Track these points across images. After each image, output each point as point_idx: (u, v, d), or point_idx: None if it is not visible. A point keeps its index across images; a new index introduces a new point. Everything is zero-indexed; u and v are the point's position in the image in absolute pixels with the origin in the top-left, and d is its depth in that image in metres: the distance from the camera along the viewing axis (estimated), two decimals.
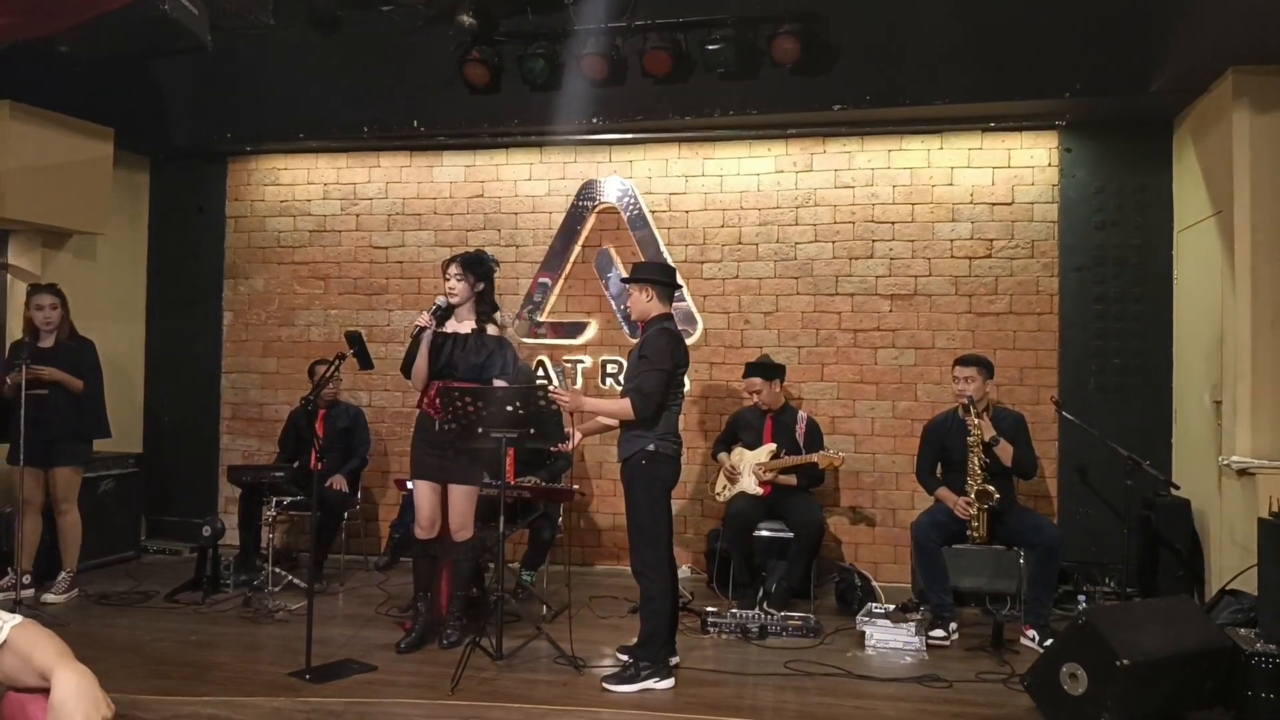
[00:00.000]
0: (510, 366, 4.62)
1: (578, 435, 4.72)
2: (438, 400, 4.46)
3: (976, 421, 4.98)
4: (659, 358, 4.18)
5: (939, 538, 5.00)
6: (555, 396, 4.28)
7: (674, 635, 4.38)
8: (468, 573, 4.72)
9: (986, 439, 4.95)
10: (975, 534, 4.94)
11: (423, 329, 4.51)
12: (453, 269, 4.59)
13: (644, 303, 4.37)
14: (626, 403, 4.20)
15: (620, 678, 4.12)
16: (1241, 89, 4.97)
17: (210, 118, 6.71)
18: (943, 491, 5.15)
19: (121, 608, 5.34)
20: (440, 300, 4.57)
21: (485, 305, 4.67)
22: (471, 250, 4.76)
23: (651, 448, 4.20)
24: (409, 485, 4.85)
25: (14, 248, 6.34)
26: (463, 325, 4.62)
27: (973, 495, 4.93)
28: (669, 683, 4.13)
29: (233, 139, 6.84)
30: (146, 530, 7.05)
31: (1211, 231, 5.31)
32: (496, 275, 4.78)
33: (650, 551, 4.20)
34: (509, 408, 4.32)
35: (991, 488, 4.89)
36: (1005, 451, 4.97)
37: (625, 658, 4.34)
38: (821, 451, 5.41)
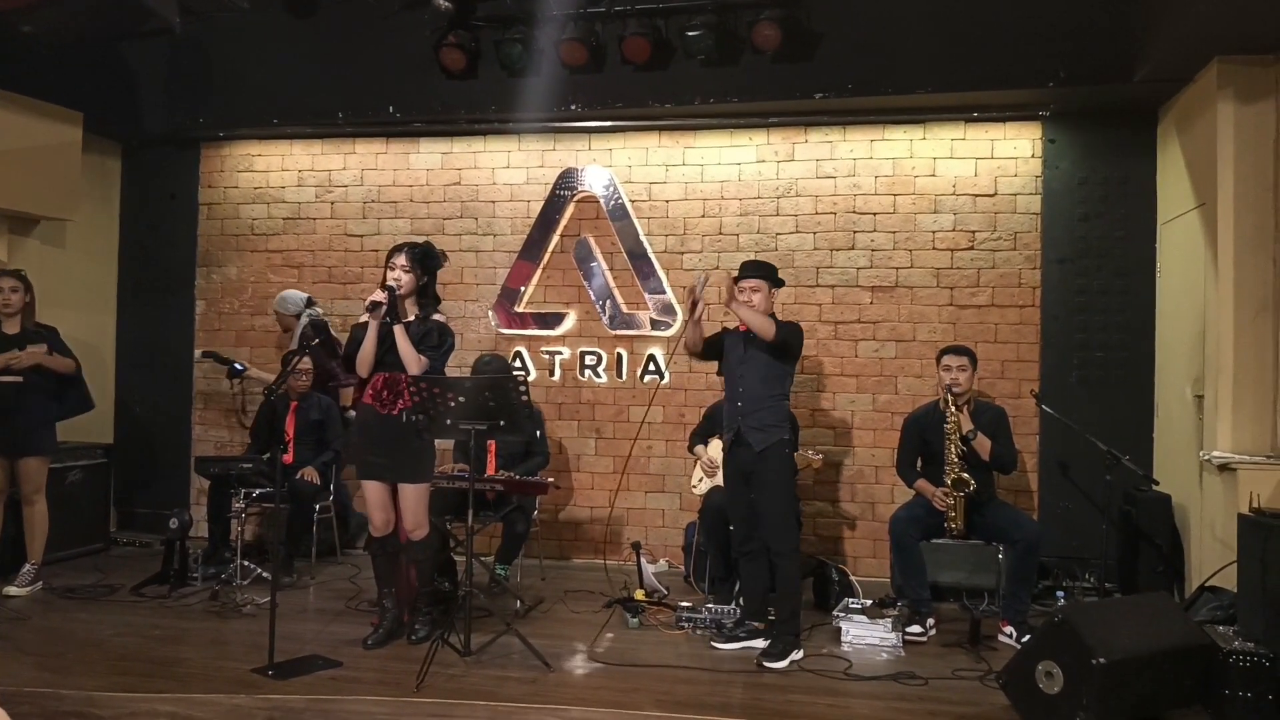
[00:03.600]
0: (441, 345, 4.45)
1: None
2: (385, 392, 4.36)
3: (954, 412, 4.91)
4: (798, 339, 4.55)
5: (917, 532, 4.93)
6: (723, 289, 4.42)
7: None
8: (430, 569, 4.63)
9: (964, 431, 4.89)
10: (953, 525, 4.87)
11: (378, 304, 4.31)
12: (400, 259, 4.42)
13: (771, 301, 4.64)
14: (772, 323, 4.42)
15: (771, 655, 4.34)
16: (1226, 79, 4.90)
17: (182, 102, 6.58)
18: (921, 483, 5.09)
19: (85, 601, 5.22)
20: (392, 283, 4.38)
21: (428, 298, 4.53)
22: (420, 243, 4.54)
23: (787, 437, 4.54)
24: None
25: None
26: (407, 317, 4.47)
27: (949, 483, 4.86)
28: (802, 652, 4.43)
29: (205, 124, 6.70)
30: (117, 522, 6.95)
31: (1195, 224, 5.25)
32: (444, 267, 4.62)
33: (791, 534, 4.55)
34: (479, 399, 4.23)
35: (967, 476, 4.83)
36: (983, 446, 4.91)
37: (761, 642, 4.50)
38: (797, 452, 5.32)
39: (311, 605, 5.30)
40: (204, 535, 6.04)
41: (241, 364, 6.23)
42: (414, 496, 4.44)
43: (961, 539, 4.94)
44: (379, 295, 4.33)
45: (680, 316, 6.35)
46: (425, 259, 4.46)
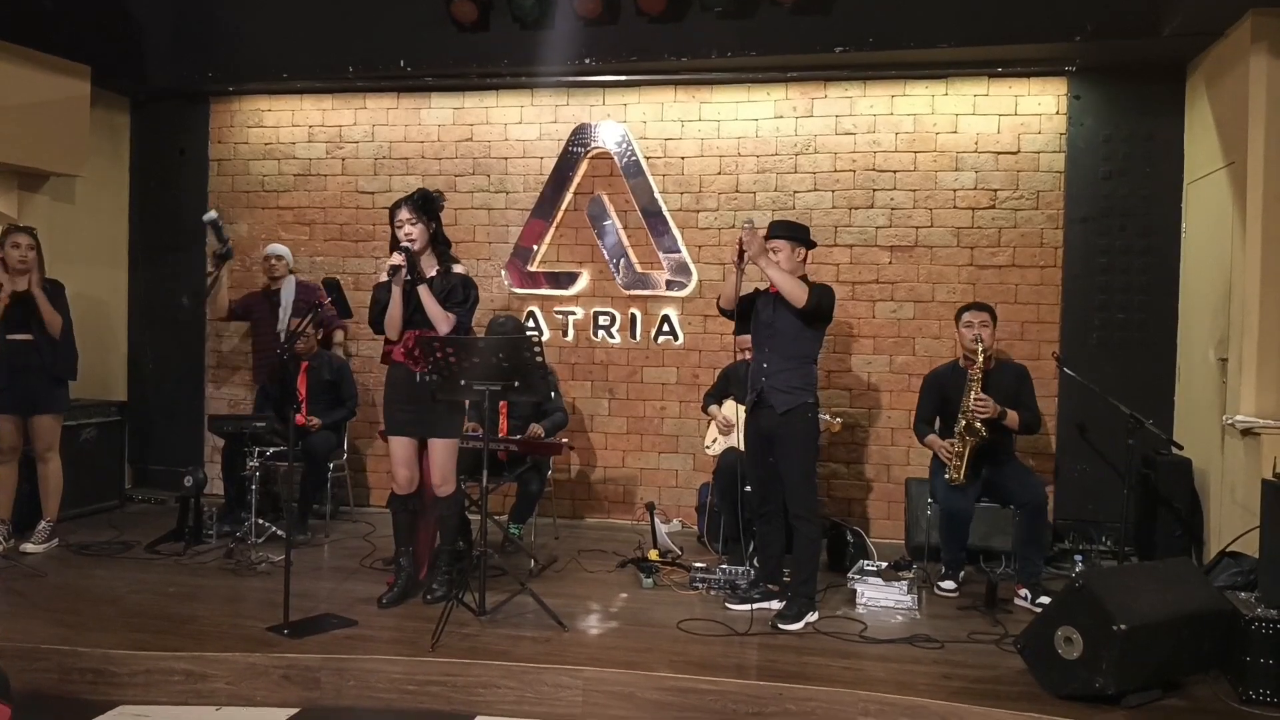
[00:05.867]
0: (467, 300, 4.42)
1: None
2: (417, 350, 4.32)
3: (979, 367, 4.82)
4: (829, 303, 4.40)
5: (971, 509, 4.88)
6: (746, 240, 4.25)
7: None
8: (454, 527, 4.61)
9: (993, 415, 4.79)
10: (954, 474, 4.83)
11: (398, 268, 4.28)
12: (403, 214, 4.33)
13: (796, 261, 4.47)
14: (805, 288, 4.29)
15: (786, 617, 4.32)
16: (1260, 33, 4.76)
17: (190, 56, 6.48)
18: (932, 438, 5.07)
19: (101, 558, 5.24)
20: (406, 243, 4.32)
21: (441, 244, 4.48)
22: (413, 192, 4.43)
23: (812, 400, 4.44)
24: None
25: None
26: (428, 271, 4.43)
27: (960, 428, 4.83)
28: (817, 615, 4.41)
29: (214, 78, 6.61)
30: (132, 478, 6.98)
31: (1223, 183, 5.14)
32: (443, 212, 4.53)
33: (811, 497, 4.49)
34: (493, 359, 4.19)
35: (979, 424, 4.77)
36: (1013, 420, 4.86)
37: (775, 604, 4.50)
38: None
39: (326, 563, 5.30)
40: (218, 493, 6.06)
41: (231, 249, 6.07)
42: (442, 451, 4.41)
43: (959, 487, 4.87)
44: (397, 259, 4.28)
45: (695, 276, 6.28)
46: (425, 203, 4.38)
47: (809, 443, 4.49)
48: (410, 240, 4.33)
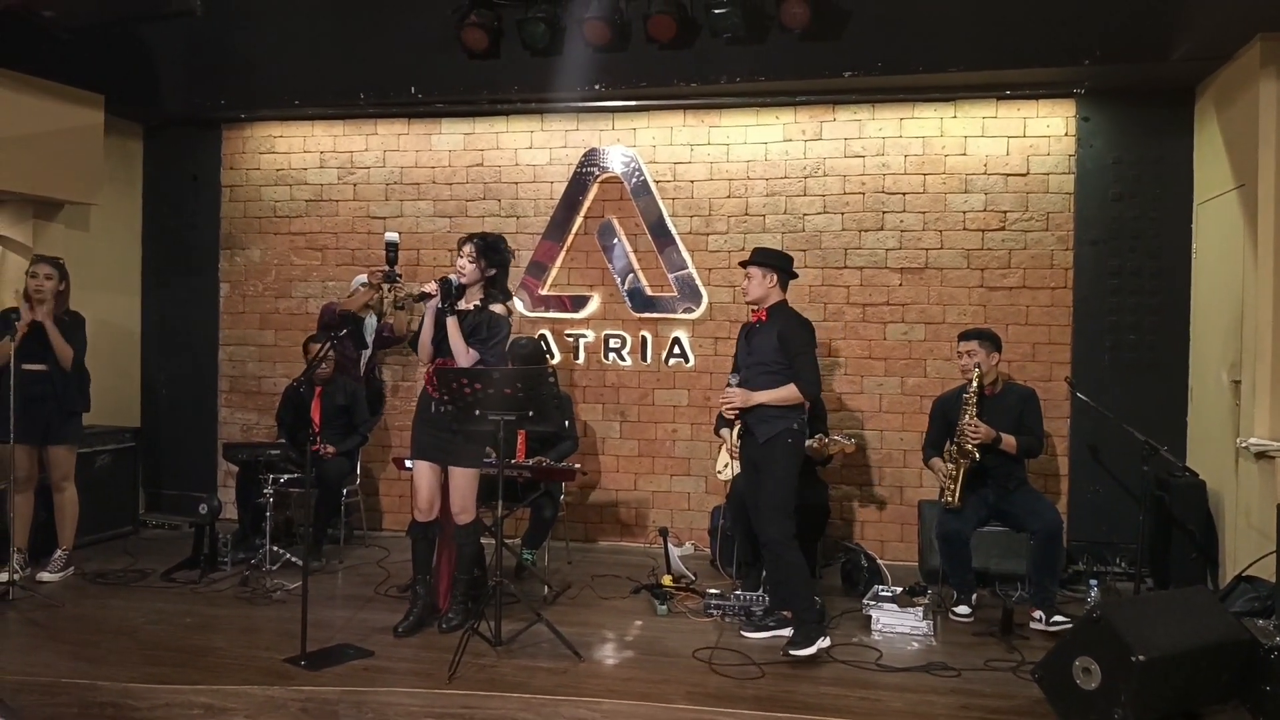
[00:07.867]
0: (491, 339, 4.45)
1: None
2: (436, 379, 4.35)
3: (974, 391, 4.85)
4: (805, 345, 4.45)
5: (968, 531, 4.89)
6: (726, 398, 4.44)
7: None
8: (470, 556, 4.62)
9: (988, 440, 4.81)
10: (949, 497, 4.87)
11: (426, 295, 4.37)
12: (467, 248, 4.44)
13: (767, 286, 4.51)
14: (794, 389, 4.37)
15: (797, 643, 4.27)
16: (1269, 57, 4.78)
17: (203, 83, 6.51)
18: (934, 461, 5.14)
19: (117, 587, 5.26)
20: (452, 277, 4.41)
21: (496, 289, 4.54)
22: (491, 234, 4.56)
23: (795, 426, 4.43)
24: (408, 464, 4.75)
25: (4, 218, 6.20)
26: (468, 304, 4.49)
27: (954, 450, 4.86)
28: (829, 640, 4.35)
29: (226, 105, 6.66)
30: (145, 504, 6.99)
31: (1233, 205, 5.14)
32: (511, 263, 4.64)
33: (788, 523, 4.39)
34: (508, 390, 4.20)
35: (971, 447, 4.79)
36: (1010, 444, 4.87)
37: (790, 631, 4.41)
38: (826, 437, 5.25)
39: (340, 591, 5.31)
40: (232, 517, 6.08)
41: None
42: (463, 480, 4.46)
43: (954, 510, 4.89)
44: (429, 286, 4.38)
45: (705, 298, 6.31)
46: (487, 250, 4.47)
47: (788, 469, 4.44)
48: (459, 273, 4.41)
